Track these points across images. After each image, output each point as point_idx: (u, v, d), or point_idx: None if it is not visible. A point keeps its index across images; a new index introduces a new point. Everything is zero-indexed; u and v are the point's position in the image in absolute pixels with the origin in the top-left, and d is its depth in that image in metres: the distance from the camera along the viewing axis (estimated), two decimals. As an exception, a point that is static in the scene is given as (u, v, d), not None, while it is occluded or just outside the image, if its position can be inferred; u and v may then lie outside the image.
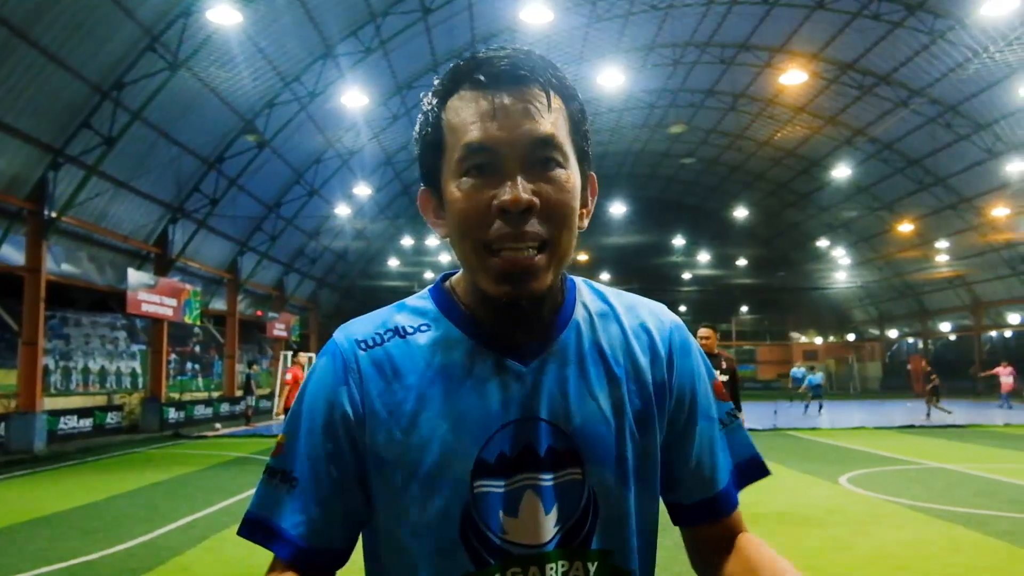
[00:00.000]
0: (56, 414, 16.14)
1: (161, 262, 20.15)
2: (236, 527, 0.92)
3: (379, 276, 40.37)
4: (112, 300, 21.01)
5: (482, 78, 0.86)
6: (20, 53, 12.93)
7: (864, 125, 28.66)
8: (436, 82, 0.92)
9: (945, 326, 39.13)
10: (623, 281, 48.64)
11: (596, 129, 34.07)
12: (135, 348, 26.32)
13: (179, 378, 27.64)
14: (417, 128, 0.93)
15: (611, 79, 24.60)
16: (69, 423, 16.59)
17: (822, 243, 42.25)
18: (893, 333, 44.17)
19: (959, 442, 14.22)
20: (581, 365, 0.92)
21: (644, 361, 0.95)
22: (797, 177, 36.42)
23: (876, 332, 45.12)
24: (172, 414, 20.18)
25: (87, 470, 12.06)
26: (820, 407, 22.65)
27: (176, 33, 15.05)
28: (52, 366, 21.37)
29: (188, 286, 21.18)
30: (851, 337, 47.12)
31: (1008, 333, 35.75)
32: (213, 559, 5.92)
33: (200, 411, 21.93)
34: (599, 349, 0.94)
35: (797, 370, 27.49)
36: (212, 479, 10.67)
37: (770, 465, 1.02)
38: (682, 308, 50.98)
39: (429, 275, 39.61)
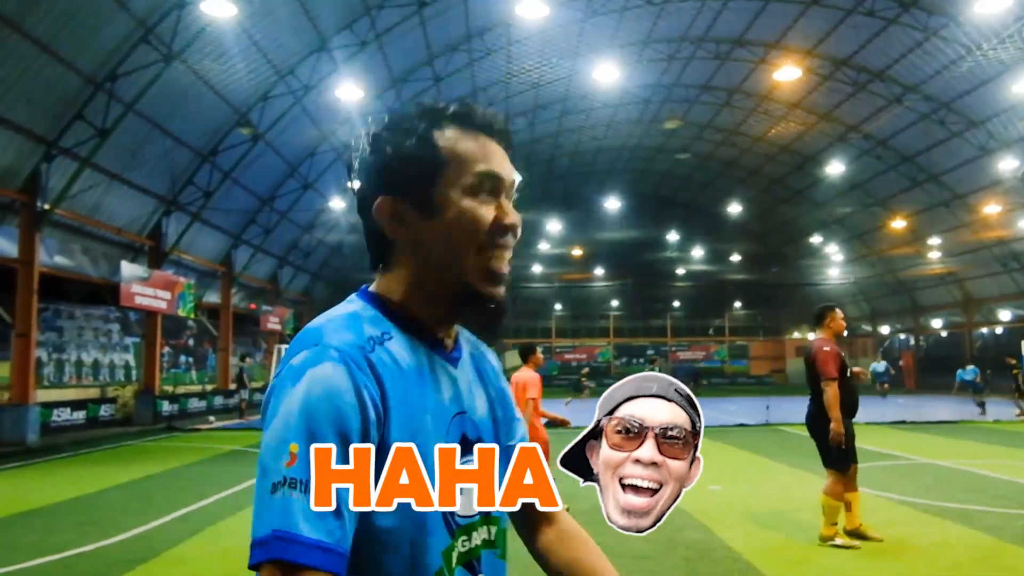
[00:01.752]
0: (49, 406, 16.13)
1: (155, 255, 20.09)
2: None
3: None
4: (105, 292, 20.93)
5: (475, 120, 1.05)
6: (12, 44, 12.86)
7: (858, 121, 28.72)
8: (415, 111, 1.07)
9: (937, 322, 39.31)
10: (618, 276, 48.73)
11: (591, 124, 34.09)
12: (128, 341, 26.24)
13: (173, 371, 27.60)
14: (394, 146, 1.05)
15: (606, 74, 24.62)
16: (62, 415, 16.59)
17: (815, 239, 42.37)
18: (885, 329, 44.36)
19: (948, 438, 14.34)
20: (475, 369, 1.17)
21: (493, 373, 1.22)
22: (791, 173, 36.47)
23: (868, 328, 45.31)
24: (166, 407, 20.19)
25: (80, 462, 12.08)
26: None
27: (170, 25, 14.99)
28: (45, 358, 21.31)
29: (182, 279, 21.14)
30: (844, 333, 47.28)
31: (999, 330, 35.93)
32: (208, 550, 5.94)
33: (194, 404, 21.94)
34: (474, 357, 1.19)
35: (878, 364, 27.98)
36: (206, 472, 10.69)
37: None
38: (676, 303, 51.17)
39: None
